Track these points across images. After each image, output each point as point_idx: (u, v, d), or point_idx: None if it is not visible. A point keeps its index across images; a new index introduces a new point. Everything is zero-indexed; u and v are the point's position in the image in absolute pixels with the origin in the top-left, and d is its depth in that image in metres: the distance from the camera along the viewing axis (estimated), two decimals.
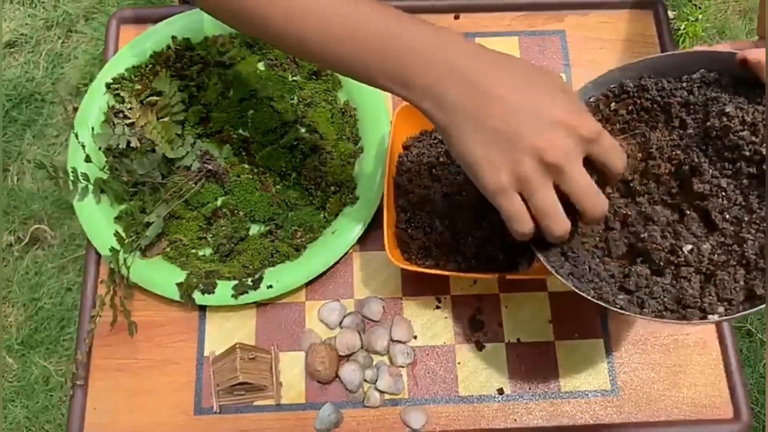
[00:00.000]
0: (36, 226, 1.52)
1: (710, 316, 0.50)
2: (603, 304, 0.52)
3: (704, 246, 0.53)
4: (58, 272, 1.50)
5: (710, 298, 0.51)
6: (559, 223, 0.50)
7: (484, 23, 0.82)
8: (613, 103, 0.59)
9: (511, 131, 0.48)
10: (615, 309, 0.51)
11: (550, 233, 0.50)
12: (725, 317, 0.50)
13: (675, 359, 0.68)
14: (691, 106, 0.56)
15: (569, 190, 0.49)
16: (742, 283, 0.51)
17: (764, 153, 0.51)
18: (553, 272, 0.54)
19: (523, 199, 0.50)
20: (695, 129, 0.56)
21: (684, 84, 0.57)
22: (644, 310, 0.52)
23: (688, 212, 0.55)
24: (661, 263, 0.54)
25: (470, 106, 0.49)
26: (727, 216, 0.53)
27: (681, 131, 0.56)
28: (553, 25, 0.82)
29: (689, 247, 0.53)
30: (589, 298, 0.52)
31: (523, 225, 0.50)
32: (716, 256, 0.53)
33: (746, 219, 0.52)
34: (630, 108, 0.59)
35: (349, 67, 0.54)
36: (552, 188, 0.49)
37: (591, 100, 0.60)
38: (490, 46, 0.78)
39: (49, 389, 1.41)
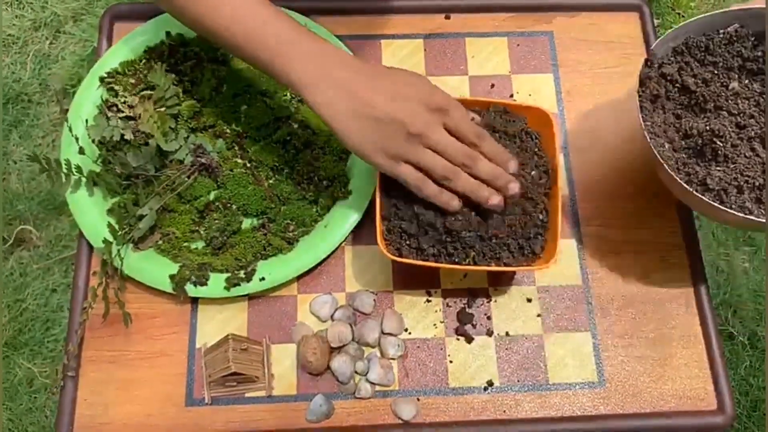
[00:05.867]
0: (21, 226, 1.51)
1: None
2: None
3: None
4: (44, 273, 1.49)
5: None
6: (445, 167, 0.61)
7: (474, 23, 0.83)
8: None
9: (378, 115, 0.60)
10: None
11: (444, 179, 0.61)
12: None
13: (660, 352, 0.69)
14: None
15: (436, 149, 0.61)
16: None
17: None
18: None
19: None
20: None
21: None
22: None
23: None
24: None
25: (344, 103, 0.61)
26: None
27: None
28: (542, 26, 0.83)
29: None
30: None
31: (427, 185, 0.62)
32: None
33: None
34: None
35: (249, 60, 0.65)
36: (426, 150, 0.61)
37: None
38: (480, 47, 0.82)
39: (33, 391, 1.39)
